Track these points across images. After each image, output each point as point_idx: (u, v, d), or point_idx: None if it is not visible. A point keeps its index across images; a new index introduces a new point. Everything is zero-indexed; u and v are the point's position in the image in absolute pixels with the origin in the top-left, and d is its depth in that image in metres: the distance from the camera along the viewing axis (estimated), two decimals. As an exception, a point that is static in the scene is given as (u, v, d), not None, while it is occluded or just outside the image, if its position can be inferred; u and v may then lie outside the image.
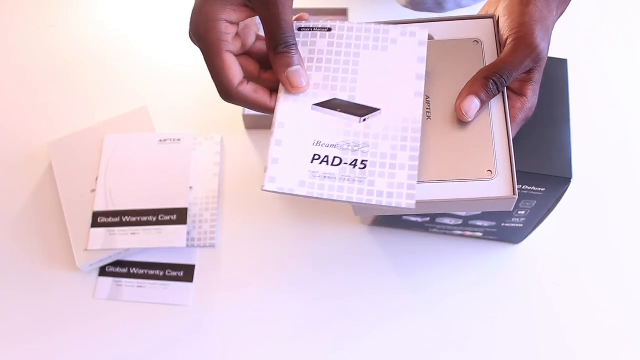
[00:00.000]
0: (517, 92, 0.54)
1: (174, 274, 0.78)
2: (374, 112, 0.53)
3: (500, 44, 0.55)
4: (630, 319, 0.75)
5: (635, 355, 0.73)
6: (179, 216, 0.78)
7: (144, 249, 0.78)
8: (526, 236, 0.76)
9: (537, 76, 0.54)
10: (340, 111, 0.53)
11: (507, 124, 0.53)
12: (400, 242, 0.79)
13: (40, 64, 0.92)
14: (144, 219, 0.78)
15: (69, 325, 0.75)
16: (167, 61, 0.91)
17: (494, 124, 0.53)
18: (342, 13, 0.91)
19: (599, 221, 0.80)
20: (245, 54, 0.56)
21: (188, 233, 0.79)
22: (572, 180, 0.61)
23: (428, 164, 0.52)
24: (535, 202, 0.66)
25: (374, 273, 0.77)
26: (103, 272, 0.78)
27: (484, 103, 0.52)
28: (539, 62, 0.53)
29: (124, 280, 0.77)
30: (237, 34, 0.54)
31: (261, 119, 0.84)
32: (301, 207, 0.81)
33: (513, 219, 0.72)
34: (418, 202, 0.50)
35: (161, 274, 0.78)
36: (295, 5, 0.54)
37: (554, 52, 0.61)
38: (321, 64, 0.55)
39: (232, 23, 0.52)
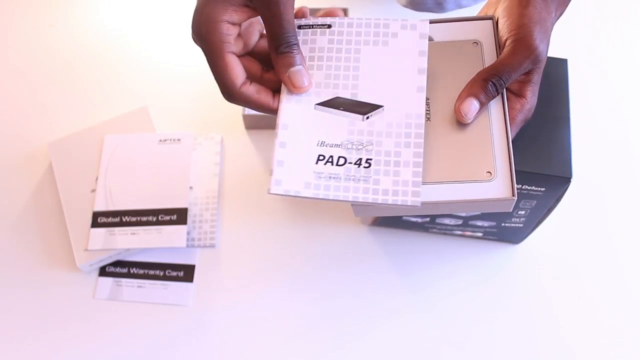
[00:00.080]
0: (516, 93, 0.54)
1: (174, 274, 0.78)
2: (376, 109, 0.53)
3: (499, 45, 0.55)
4: (630, 319, 0.75)
5: (635, 355, 0.73)
6: (179, 216, 0.78)
7: (144, 249, 0.78)
8: (526, 236, 0.76)
9: (536, 77, 0.54)
10: (343, 110, 0.53)
11: (507, 125, 0.52)
12: (400, 242, 0.79)
13: (40, 64, 0.92)
14: (144, 219, 0.78)
15: (69, 325, 0.75)
16: (167, 61, 0.91)
17: (493, 125, 0.53)
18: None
19: (599, 221, 0.80)
20: (248, 53, 0.56)
21: (188, 233, 0.79)
22: (572, 180, 0.61)
23: (427, 166, 0.52)
24: (535, 202, 0.66)
25: (374, 273, 0.77)
26: (103, 272, 0.78)
27: (483, 105, 0.52)
28: (538, 64, 0.53)
29: (124, 280, 0.77)
30: (239, 35, 0.54)
31: (261, 119, 0.84)
32: (301, 207, 0.81)
33: (513, 219, 0.72)
34: (412, 208, 0.50)
35: (161, 274, 0.78)
36: (296, 6, 0.54)
37: (554, 52, 0.61)
38: (322, 62, 0.55)
39: (233, 24, 0.52)
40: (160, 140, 0.83)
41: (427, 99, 0.54)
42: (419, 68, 0.54)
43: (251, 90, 0.53)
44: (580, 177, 0.65)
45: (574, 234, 0.79)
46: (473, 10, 0.81)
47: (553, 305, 0.76)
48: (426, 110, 0.54)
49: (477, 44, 0.56)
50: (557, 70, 0.64)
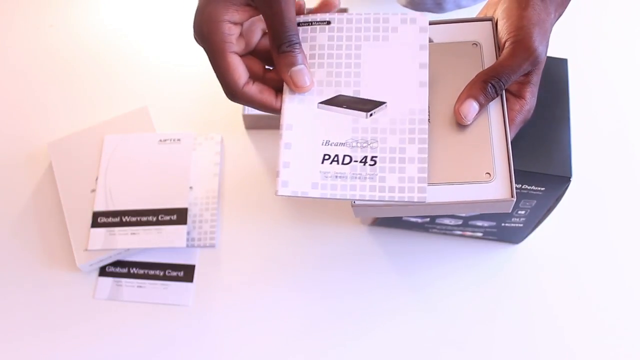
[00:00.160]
0: (516, 94, 0.54)
1: (174, 274, 0.78)
2: (380, 105, 0.53)
3: (498, 46, 0.55)
4: (630, 319, 0.75)
5: (635, 355, 0.73)
6: (179, 216, 0.78)
7: (144, 249, 0.78)
8: (526, 236, 0.76)
9: (535, 78, 0.54)
10: (346, 107, 0.53)
11: (506, 127, 0.52)
12: (400, 242, 0.79)
13: (40, 64, 0.92)
14: (144, 219, 0.78)
15: (69, 325, 0.75)
16: (167, 61, 0.91)
17: (493, 127, 0.53)
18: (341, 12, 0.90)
19: (599, 221, 0.80)
20: (251, 52, 0.55)
21: (188, 233, 0.79)
22: (572, 180, 0.61)
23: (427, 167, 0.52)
24: (535, 201, 0.66)
25: (374, 273, 0.77)
26: (103, 272, 0.78)
27: (482, 106, 0.52)
28: (537, 65, 0.53)
29: (124, 280, 0.77)
30: (241, 34, 0.54)
31: (261, 119, 0.84)
32: (301, 207, 0.81)
33: (513, 219, 0.72)
34: (418, 204, 0.50)
35: (161, 274, 0.78)
36: (296, 6, 0.54)
37: (554, 52, 0.61)
38: (323, 59, 0.54)
39: (235, 23, 0.52)
40: (160, 140, 0.83)
41: None
42: (421, 62, 0.53)
43: (254, 89, 0.53)
44: (580, 176, 0.65)
45: (574, 234, 0.79)
46: (472, 11, 0.81)
47: (553, 305, 0.76)
48: None
49: (476, 45, 0.56)
50: (557, 70, 0.64)
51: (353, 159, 0.51)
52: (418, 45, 0.54)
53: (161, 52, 0.92)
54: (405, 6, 0.86)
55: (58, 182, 0.81)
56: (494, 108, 0.53)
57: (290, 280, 0.77)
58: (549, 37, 0.54)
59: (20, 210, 0.82)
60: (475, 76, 0.53)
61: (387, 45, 0.54)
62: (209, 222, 0.80)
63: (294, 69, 0.52)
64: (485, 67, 0.54)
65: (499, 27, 0.55)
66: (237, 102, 0.54)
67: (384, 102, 0.53)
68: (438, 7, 0.84)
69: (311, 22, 0.55)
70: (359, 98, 0.53)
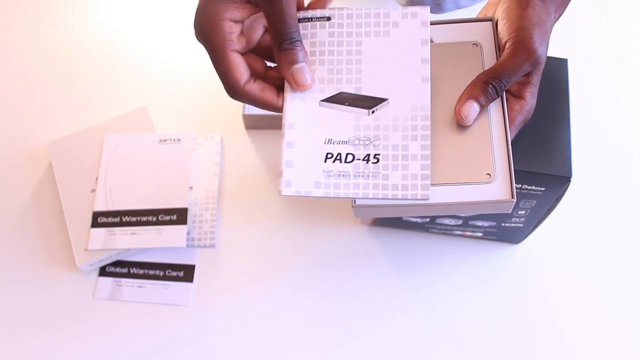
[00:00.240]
0: (516, 95, 0.54)
1: (174, 274, 0.78)
2: (382, 102, 0.52)
3: (499, 47, 0.55)
4: (630, 319, 0.75)
5: (635, 355, 0.73)
6: (179, 216, 0.78)
7: (144, 249, 0.78)
8: (526, 236, 0.76)
9: (536, 79, 0.54)
10: (348, 105, 0.52)
11: (506, 127, 0.52)
12: (400, 242, 0.79)
13: (40, 64, 0.92)
14: (144, 219, 0.78)
15: (69, 325, 0.75)
16: (167, 61, 0.91)
17: (493, 127, 0.53)
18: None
19: (599, 221, 0.80)
20: (252, 50, 0.55)
21: (188, 233, 0.79)
22: (572, 180, 0.61)
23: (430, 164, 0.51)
24: (535, 201, 0.66)
25: (374, 273, 0.77)
26: (103, 272, 0.78)
27: (483, 107, 0.52)
28: (537, 66, 0.53)
29: (124, 280, 0.78)
30: (242, 32, 0.54)
31: (261, 118, 0.84)
32: (301, 207, 0.81)
33: (513, 219, 0.72)
34: (419, 204, 0.50)
35: (161, 274, 0.78)
36: (296, 6, 0.54)
37: (554, 52, 0.61)
38: (324, 56, 0.54)
39: (236, 21, 0.52)
40: (160, 140, 0.83)
41: None
42: (422, 58, 0.53)
43: (255, 88, 0.53)
44: (580, 176, 0.65)
45: (574, 234, 0.79)
46: (472, 11, 0.81)
47: (553, 305, 0.76)
48: None
49: (476, 45, 0.56)
50: (557, 70, 0.64)
51: (356, 157, 0.51)
52: (419, 40, 0.53)
53: (161, 52, 0.92)
54: (405, 6, 0.86)
55: (58, 182, 0.81)
56: (494, 108, 0.53)
57: (290, 280, 0.77)
58: (549, 37, 0.54)
59: (20, 210, 0.82)
60: (476, 77, 0.53)
61: (388, 40, 0.54)
62: (209, 222, 0.80)
63: (295, 66, 0.52)
64: (486, 68, 0.54)
65: (499, 27, 0.55)
66: (239, 101, 0.54)
67: (385, 99, 0.52)
68: (437, 7, 0.84)
69: (311, 18, 0.54)
70: (361, 95, 0.53)
